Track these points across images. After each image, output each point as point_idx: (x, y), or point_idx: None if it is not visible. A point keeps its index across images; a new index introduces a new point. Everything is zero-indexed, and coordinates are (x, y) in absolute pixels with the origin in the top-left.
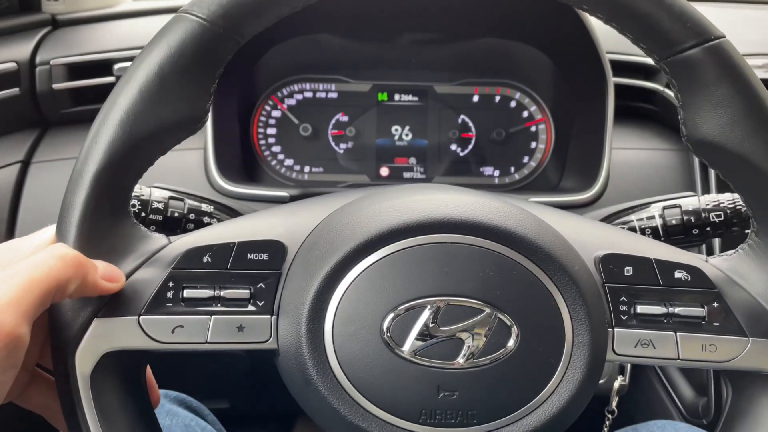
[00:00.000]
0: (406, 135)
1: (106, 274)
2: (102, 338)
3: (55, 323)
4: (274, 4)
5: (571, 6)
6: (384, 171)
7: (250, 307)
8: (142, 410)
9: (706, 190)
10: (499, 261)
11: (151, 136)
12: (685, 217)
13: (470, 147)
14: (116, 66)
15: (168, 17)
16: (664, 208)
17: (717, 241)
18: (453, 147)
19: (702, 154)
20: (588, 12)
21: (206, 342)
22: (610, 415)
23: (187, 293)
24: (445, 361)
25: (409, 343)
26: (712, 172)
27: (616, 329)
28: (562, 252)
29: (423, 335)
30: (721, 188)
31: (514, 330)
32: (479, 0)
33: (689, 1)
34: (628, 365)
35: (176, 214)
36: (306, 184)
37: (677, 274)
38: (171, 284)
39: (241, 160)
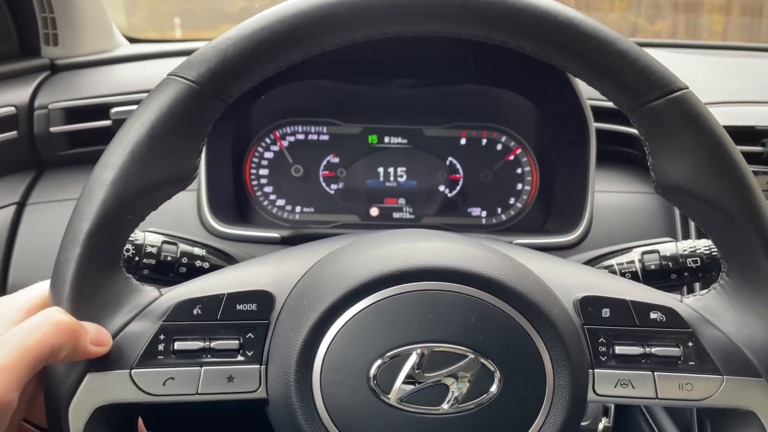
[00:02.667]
0: (396, 176)
1: (94, 338)
2: (94, 392)
3: (48, 379)
4: (260, 65)
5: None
6: (374, 211)
7: (240, 358)
8: None
9: (686, 231)
10: (480, 307)
11: (142, 194)
12: (663, 262)
13: (458, 188)
14: (113, 110)
15: (164, 62)
16: (644, 253)
17: (698, 283)
18: (441, 188)
19: (671, 199)
20: (558, 67)
21: (197, 393)
22: None
23: (177, 345)
24: (431, 407)
25: (396, 389)
26: None
27: (596, 370)
28: (541, 296)
29: (409, 382)
30: (701, 230)
31: (497, 375)
32: (465, 49)
33: (664, 47)
34: (612, 406)
35: (169, 258)
36: (297, 224)
37: (653, 315)
38: (162, 337)
39: (234, 201)
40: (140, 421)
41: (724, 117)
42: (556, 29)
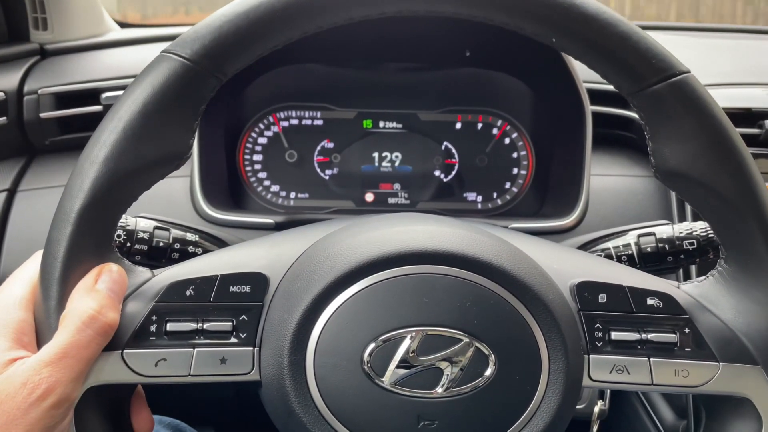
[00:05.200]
0: (391, 161)
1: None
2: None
3: None
4: (256, 43)
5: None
6: (369, 197)
7: (233, 339)
8: None
9: (682, 215)
10: (476, 291)
11: (134, 172)
12: (660, 245)
13: (454, 173)
14: (103, 95)
15: (156, 46)
16: (640, 236)
17: (695, 266)
18: (437, 173)
19: (670, 184)
20: (558, 49)
21: (189, 375)
22: None
23: (170, 326)
24: (425, 391)
25: (390, 373)
26: None
27: (591, 355)
28: (538, 281)
29: (403, 365)
30: (697, 213)
31: (492, 359)
32: (460, 32)
33: (665, 29)
34: (608, 390)
35: (161, 244)
36: (292, 210)
37: (650, 301)
38: (154, 318)
39: (227, 187)
40: (137, 400)
41: (721, 99)
42: (556, 10)
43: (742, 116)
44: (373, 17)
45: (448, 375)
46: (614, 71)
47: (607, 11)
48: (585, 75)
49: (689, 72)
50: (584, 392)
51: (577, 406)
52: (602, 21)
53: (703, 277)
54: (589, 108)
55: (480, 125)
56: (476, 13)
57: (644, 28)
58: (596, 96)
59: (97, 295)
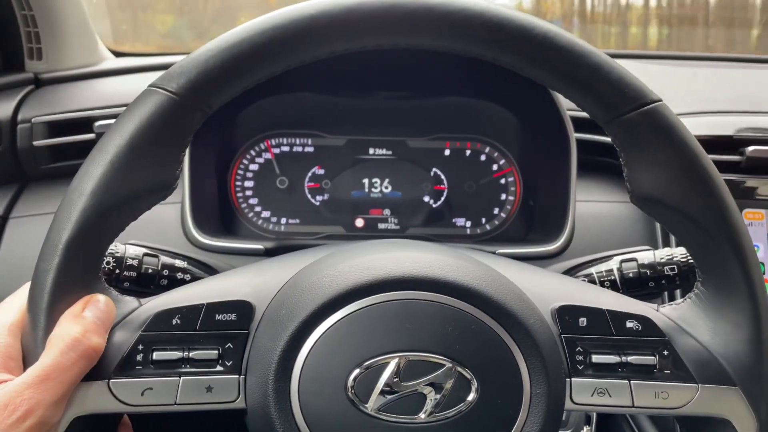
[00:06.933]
0: (381, 187)
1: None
2: (72, 403)
3: None
4: (240, 77)
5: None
6: (359, 222)
7: (219, 368)
8: None
9: (666, 240)
10: (457, 316)
11: (121, 203)
12: (642, 270)
13: (442, 199)
14: (96, 123)
15: (149, 75)
16: (622, 261)
17: (679, 291)
18: (426, 199)
19: (646, 209)
20: (534, 79)
21: (175, 403)
22: None
23: (156, 355)
24: (408, 416)
25: (373, 399)
26: None
27: (573, 379)
28: (518, 306)
29: (386, 391)
30: None
31: (474, 383)
32: (447, 61)
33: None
34: (594, 414)
35: (150, 271)
36: (283, 236)
37: (629, 324)
38: (141, 347)
39: (218, 213)
40: (123, 430)
41: (702, 127)
42: (531, 43)
43: (724, 143)
44: (354, 51)
45: (431, 400)
46: (588, 101)
47: (579, 43)
48: (569, 102)
49: (661, 101)
50: (571, 417)
51: None
52: (575, 52)
53: (681, 300)
54: (574, 136)
55: (468, 152)
56: (454, 46)
57: (627, 56)
58: (581, 123)
59: (82, 320)
